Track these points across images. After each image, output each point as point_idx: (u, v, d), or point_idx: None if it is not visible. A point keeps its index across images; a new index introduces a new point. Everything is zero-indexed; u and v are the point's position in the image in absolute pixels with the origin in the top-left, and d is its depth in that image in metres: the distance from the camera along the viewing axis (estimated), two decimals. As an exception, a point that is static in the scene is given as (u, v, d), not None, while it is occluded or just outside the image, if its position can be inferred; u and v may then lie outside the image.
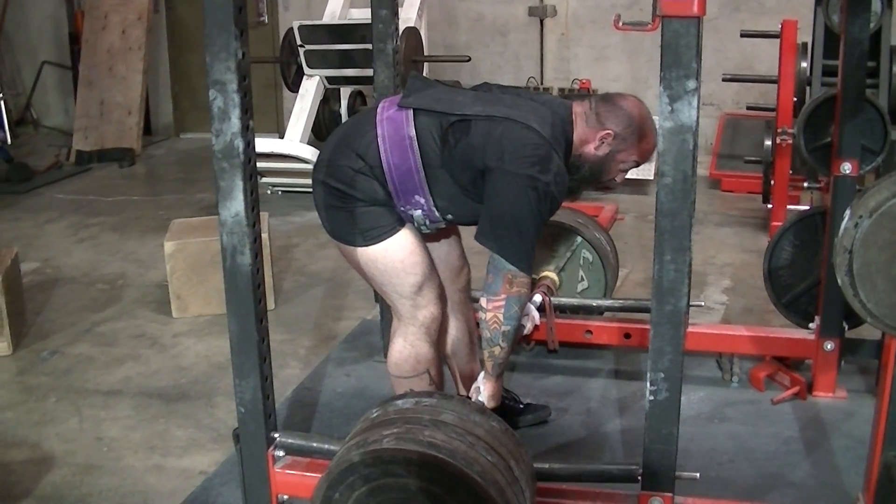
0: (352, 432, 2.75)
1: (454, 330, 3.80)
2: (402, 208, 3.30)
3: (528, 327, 3.90)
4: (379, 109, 3.36)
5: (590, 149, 3.31)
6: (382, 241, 3.29)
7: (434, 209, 3.29)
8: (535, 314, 3.96)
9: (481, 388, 3.32)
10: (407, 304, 3.37)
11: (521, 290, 3.14)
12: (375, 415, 2.75)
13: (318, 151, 7.43)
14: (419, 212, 3.30)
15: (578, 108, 3.34)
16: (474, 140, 3.17)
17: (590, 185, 3.44)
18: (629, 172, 3.47)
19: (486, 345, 3.22)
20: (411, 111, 3.28)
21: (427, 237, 3.46)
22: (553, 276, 4.56)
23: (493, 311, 3.15)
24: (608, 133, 3.27)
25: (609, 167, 3.35)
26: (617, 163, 3.34)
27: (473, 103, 3.27)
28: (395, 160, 3.23)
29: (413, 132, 3.24)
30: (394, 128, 3.26)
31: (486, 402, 3.27)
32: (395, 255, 3.31)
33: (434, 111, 3.26)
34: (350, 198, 3.28)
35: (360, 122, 3.41)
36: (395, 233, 3.31)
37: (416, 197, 3.27)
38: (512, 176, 3.09)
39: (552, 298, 4.39)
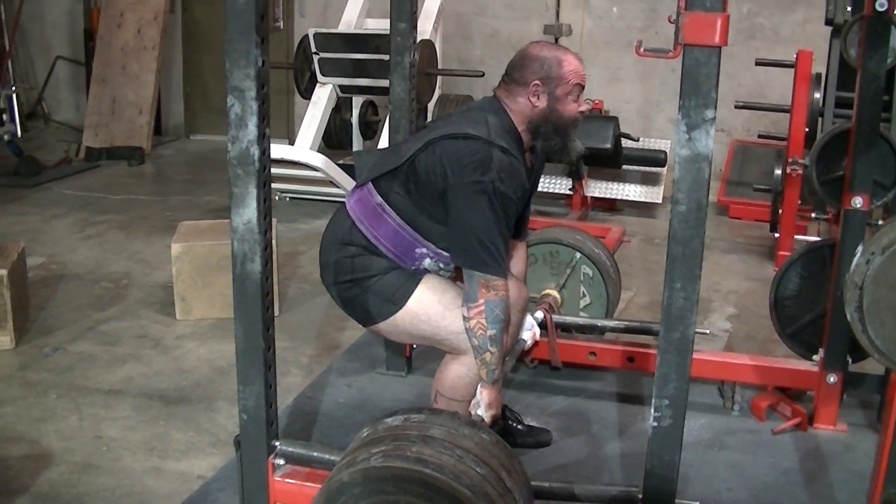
0: (345, 451, 2.76)
1: None
2: (413, 267, 3.37)
3: (529, 343, 3.90)
4: (346, 203, 3.47)
5: (531, 110, 3.35)
6: (411, 294, 3.33)
7: (441, 251, 3.34)
8: (537, 330, 3.97)
9: (479, 398, 3.32)
10: (466, 336, 3.34)
11: (499, 292, 3.17)
12: (366, 434, 2.76)
13: (327, 159, 7.49)
14: (428, 260, 3.37)
15: (500, 91, 3.43)
16: (422, 174, 3.26)
17: (567, 135, 3.41)
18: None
19: (477, 353, 3.24)
20: (370, 184, 3.38)
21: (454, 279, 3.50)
22: (554, 293, 4.57)
23: (476, 318, 3.18)
24: (535, 84, 3.32)
25: (561, 109, 3.36)
26: (564, 100, 3.36)
27: (414, 142, 3.35)
28: (380, 230, 3.34)
29: (379, 199, 3.34)
30: (363, 205, 3.38)
31: (484, 411, 3.28)
32: (430, 299, 3.34)
33: (387, 171, 3.35)
34: (361, 280, 3.36)
35: (335, 222, 3.51)
36: (418, 282, 3.35)
37: (417, 250, 3.35)
38: (457, 188, 3.17)
39: (557, 317, 4.40)
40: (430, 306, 3.34)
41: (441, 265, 3.40)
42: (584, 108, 3.42)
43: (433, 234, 3.32)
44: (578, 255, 4.59)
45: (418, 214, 3.31)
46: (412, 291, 3.33)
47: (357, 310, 3.43)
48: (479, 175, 3.12)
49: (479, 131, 3.21)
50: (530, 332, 3.93)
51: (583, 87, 3.40)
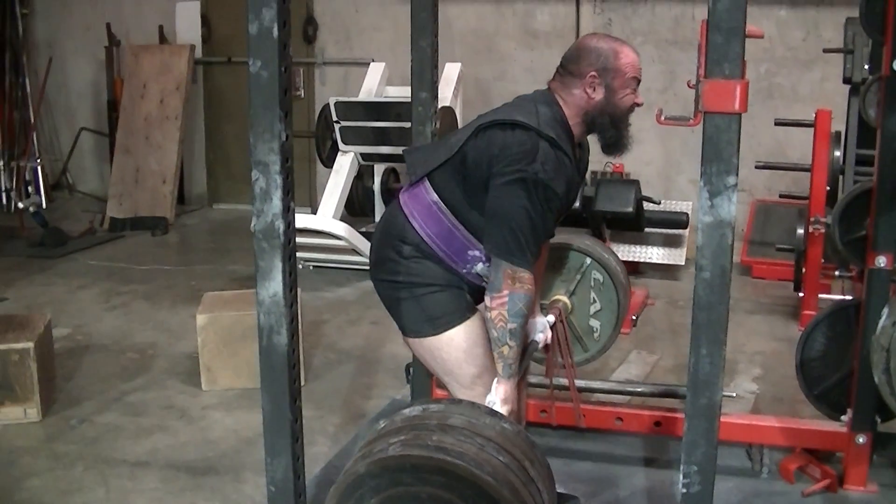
0: (360, 445, 2.72)
1: None
2: (464, 270, 3.31)
3: (541, 345, 3.87)
4: (400, 197, 3.42)
5: (587, 102, 3.32)
6: (450, 329, 3.29)
7: None
8: (549, 332, 3.93)
9: (494, 394, 3.23)
10: (467, 395, 3.31)
11: (525, 286, 3.13)
12: (383, 425, 2.71)
13: (350, 228, 7.52)
14: (480, 265, 3.31)
15: (554, 84, 3.39)
16: (471, 163, 3.23)
17: (623, 127, 3.40)
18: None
19: (495, 345, 3.20)
20: (425, 179, 3.33)
21: None
22: (564, 299, 4.50)
23: (498, 309, 3.13)
24: (592, 76, 3.28)
25: (618, 102, 3.33)
26: (620, 93, 3.32)
27: (465, 132, 3.32)
28: (433, 229, 3.28)
29: (435, 196, 3.29)
30: (417, 201, 3.32)
31: (500, 406, 3.20)
32: (460, 345, 3.30)
33: (441, 164, 3.30)
34: (409, 285, 3.30)
35: (388, 216, 3.46)
36: (463, 321, 3.30)
37: (470, 252, 3.29)
38: (500, 177, 3.13)
39: (583, 381, 4.39)
40: (457, 350, 3.30)
41: None
42: (640, 100, 3.38)
43: (484, 233, 3.26)
44: (589, 260, 4.55)
45: (470, 210, 3.26)
46: (454, 325, 3.29)
47: (397, 312, 3.38)
48: (523, 165, 3.09)
49: (529, 120, 3.18)
50: (542, 334, 3.89)
51: (639, 81, 3.37)
